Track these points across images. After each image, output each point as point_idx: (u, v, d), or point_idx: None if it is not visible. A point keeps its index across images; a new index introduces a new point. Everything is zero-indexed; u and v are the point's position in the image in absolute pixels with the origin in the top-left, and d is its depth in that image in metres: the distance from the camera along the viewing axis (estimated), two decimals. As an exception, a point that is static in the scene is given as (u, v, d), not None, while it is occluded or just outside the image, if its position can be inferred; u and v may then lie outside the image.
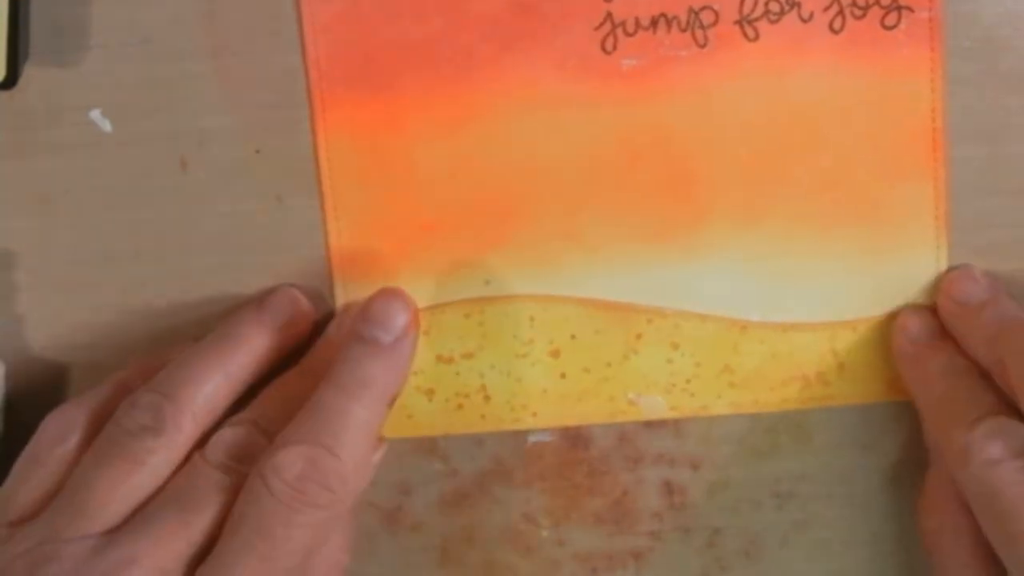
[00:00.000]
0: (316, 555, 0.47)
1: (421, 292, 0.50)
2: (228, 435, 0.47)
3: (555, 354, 0.51)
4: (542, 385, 0.51)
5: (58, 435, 0.47)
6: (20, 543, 0.45)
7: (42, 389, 0.52)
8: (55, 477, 0.47)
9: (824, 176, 0.49)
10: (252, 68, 0.49)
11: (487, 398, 0.51)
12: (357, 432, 0.46)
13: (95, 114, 0.50)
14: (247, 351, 0.49)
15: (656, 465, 0.52)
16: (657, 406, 0.51)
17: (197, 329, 0.51)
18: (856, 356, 0.51)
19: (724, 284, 0.50)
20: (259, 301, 0.50)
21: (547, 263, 0.50)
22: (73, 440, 0.47)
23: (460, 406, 0.51)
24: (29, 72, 0.49)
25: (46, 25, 0.49)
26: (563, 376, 0.51)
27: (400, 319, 0.49)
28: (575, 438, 0.52)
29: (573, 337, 0.51)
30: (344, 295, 0.50)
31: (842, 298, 0.50)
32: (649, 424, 0.52)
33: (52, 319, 0.51)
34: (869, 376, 0.51)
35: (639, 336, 0.51)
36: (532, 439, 0.52)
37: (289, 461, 0.45)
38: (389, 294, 0.49)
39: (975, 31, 0.49)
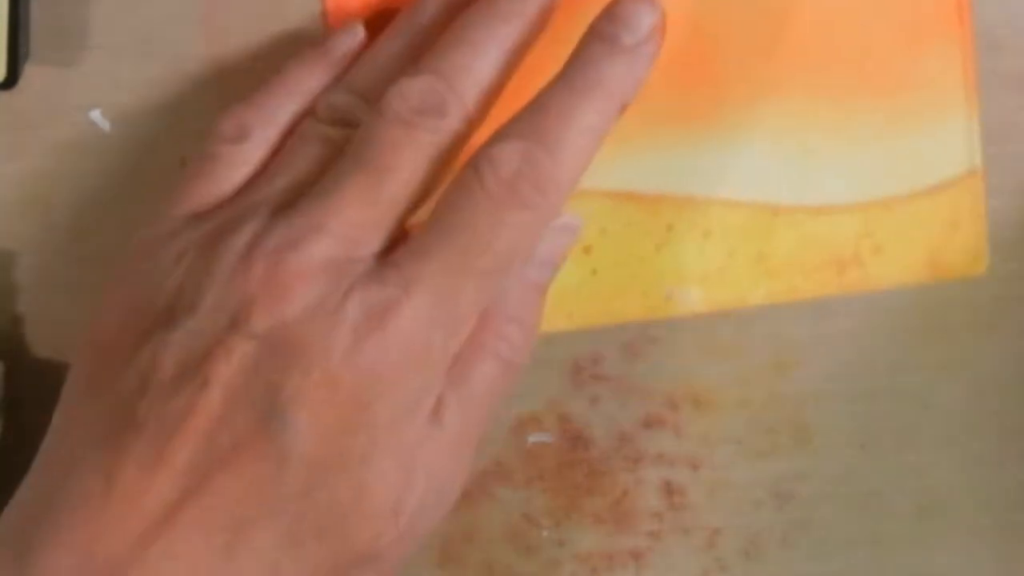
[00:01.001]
0: (512, 270, 0.44)
1: None
2: (409, 87, 0.44)
3: (587, 250, 0.50)
4: (575, 283, 0.50)
5: (237, 135, 0.46)
6: (199, 228, 0.44)
7: (42, 389, 0.52)
8: (241, 171, 0.45)
9: (846, 47, 0.49)
10: (252, 68, 0.49)
11: None
12: (580, 136, 0.43)
13: (95, 114, 0.50)
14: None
15: (656, 465, 0.52)
16: (693, 300, 0.50)
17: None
18: (892, 236, 0.50)
19: (751, 166, 0.49)
20: None
21: None
22: (257, 140, 0.46)
23: None
24: (29, 72, 0.49)
25: (46, 25, 0.49)
26: (595, 273, 0.50)
27: (647, 20, 0.45)
28: (575, 438, 0.52)
29: (603, 231, 0.50)
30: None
31: (873, 176, 0.49)
32: (648, 424, 0.52)
33: (52, 319, 0.51)
34: (907, 256, 0.50)
35: (670, 227, 0.50)
36: (532, 439, 0.52)
37: (506, 157, 0.43)
38: None
39: (974, 31, 0.49)
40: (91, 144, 0.50)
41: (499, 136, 0.43)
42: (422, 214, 0.44)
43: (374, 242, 0.43)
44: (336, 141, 0.45)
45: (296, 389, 0.41)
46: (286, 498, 0.41)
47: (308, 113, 0.46)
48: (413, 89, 0.44)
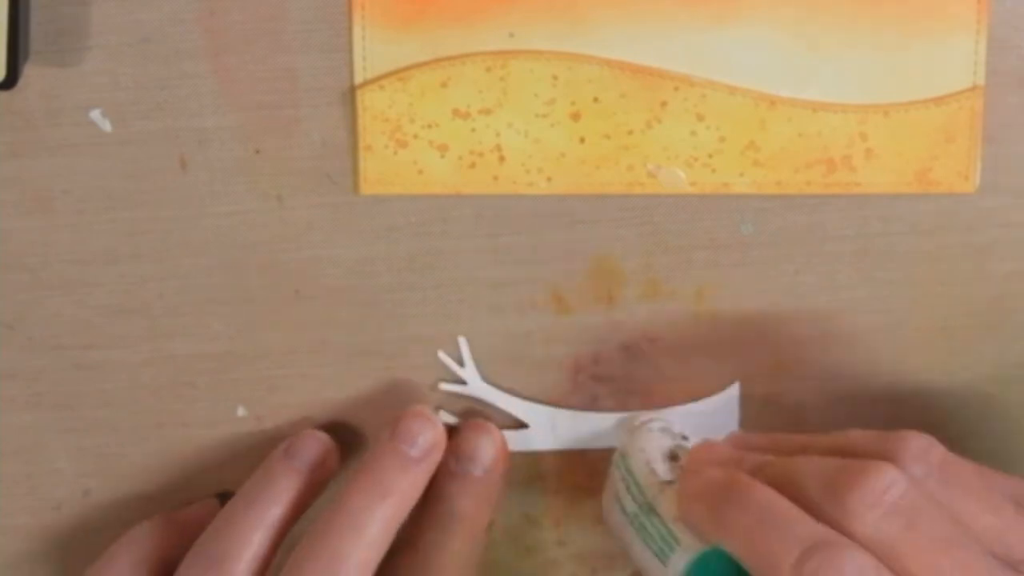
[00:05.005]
0: None
1: (443, 40, 0.49)
2: None
3: (576, 116, 0.50)
4: (560, 149, 0.50)
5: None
6: None
7: (42, 389, 0.52)
8: None
9: None
10: (252, 68, 0.49)
11: (502, 158, 0.50)
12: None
13: (95, 114, 0.50)
14: (283, 502, 0.49)
15: (656, 465, 0.52)
16: (677, 180, 0.50)
17: (196, 330, 0.51)
18: (885, 142, 0.50)
19: (755, 55, 0.49)
20: (285, 448, 0.50)
21: (576, 19, 0.49)
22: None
23: (473, 165, 0.50)
24: (29, 72, 0.49)
25: (46, 25, 0.49)
26: (582, 141, 0.50)
27: (426, 437, 0.49)
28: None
29: (596, 100, 0.49)
30: (363, 38, 0.49)
31: (876, 80, 0.49)
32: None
33: (52, 319, 0.51)
34: (898, 165, 0.50)
35: (664, 104, 0.49)
36: (532, 439, 0.52)
37: None
38: (418, 415, 0.50)
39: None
40: (91, 144, 0.50)
41: None
42: None
43: None
44: None
45: None
46: None
47: None
48: None
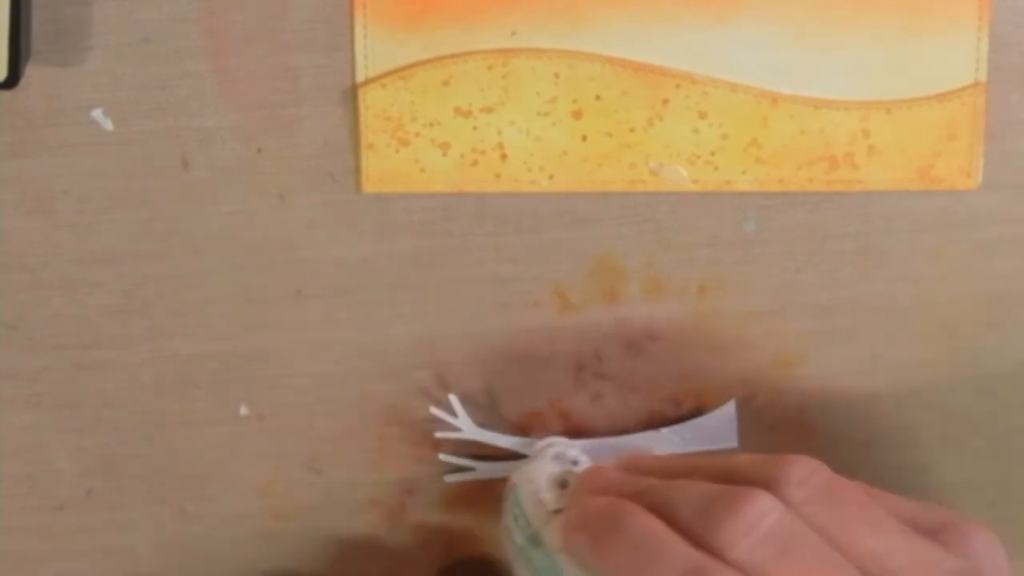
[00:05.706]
0: None
1: (445, 39, 0.49)
2: None
3: (577, 115, 0.50)
4: (562, 147, 0.50)
5: None
6: None
7: (43, 389, 0.52)
8: None
9: None
10: (253, 67, 0.49)
11: (504, 156, 0.50)
12: None
13: (97, 113, 0.50)
14: None
15: (658, 463, 0.53)
16: (679, 178, 0.50)
17: (198, 330, 0.51)
18: (888, 139, 0.50)
19: (757, 52, 0.49)
20: None
21: (577, 18, 0.49)
22: None
23: (475, 163, 0.50)
24: (31, 72, 0.49)
25: (48, 25, 0.49)
26: (584, 139, 0.50)
27: None
28: (577, 436, 0.52)
29: (598, 98, 0.49)
30: (364, 37, 0.49)
31: (878, 76, 0.49)
32: (651, 422, 0.52)
33: (52, 319, 0.51)
34: (900, 162, 0.50)
35: (666, 102, 0.50)
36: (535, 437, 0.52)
37: None
38: None
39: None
40: (92, 143, 0.50)
41: None
42: None
43: None
44: None
45: None
46: None
47: None
48: None
